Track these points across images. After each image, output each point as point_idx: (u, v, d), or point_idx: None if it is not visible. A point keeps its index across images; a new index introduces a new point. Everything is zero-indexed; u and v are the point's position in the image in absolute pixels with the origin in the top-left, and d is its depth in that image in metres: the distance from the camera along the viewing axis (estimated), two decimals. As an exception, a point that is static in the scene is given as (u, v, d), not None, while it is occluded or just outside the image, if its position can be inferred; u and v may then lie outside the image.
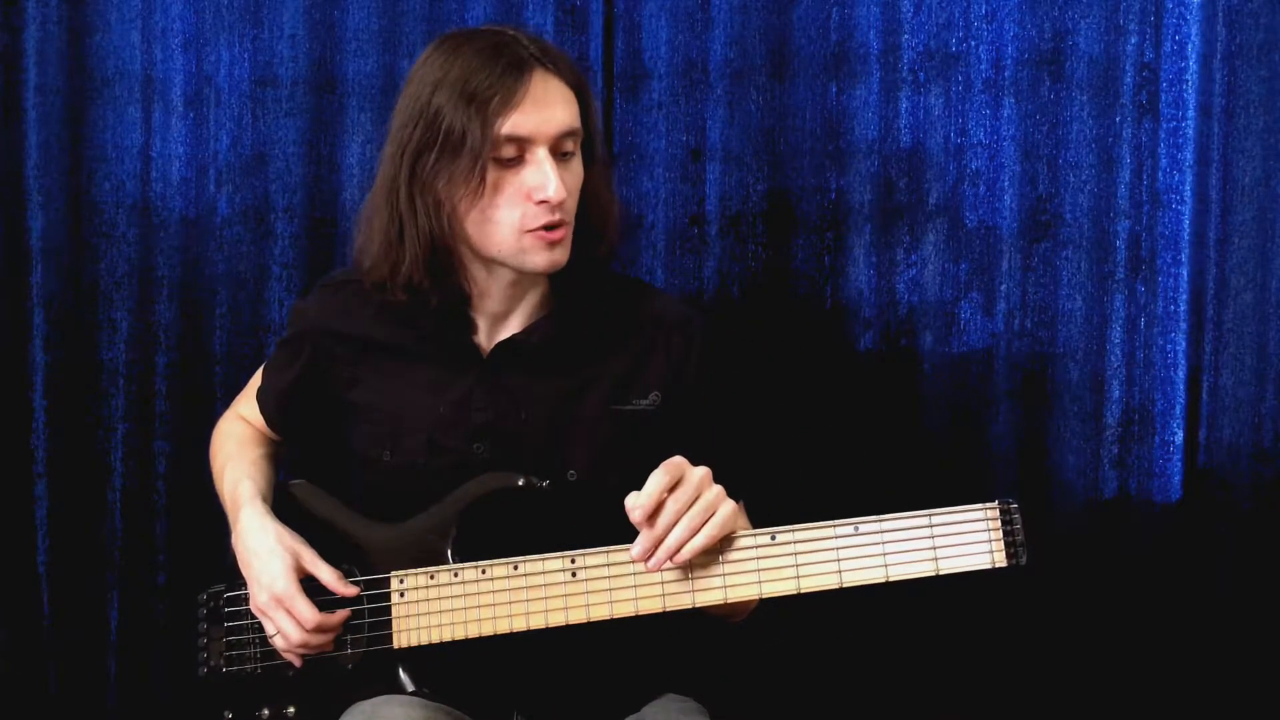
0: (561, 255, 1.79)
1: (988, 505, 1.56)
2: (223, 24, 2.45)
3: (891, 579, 1.58)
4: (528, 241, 1.76)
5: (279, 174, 2.47)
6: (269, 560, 1.78)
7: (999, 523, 1.56)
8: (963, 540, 1.56)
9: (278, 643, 1.80)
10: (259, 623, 1.84)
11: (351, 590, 1.78)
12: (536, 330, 1.86)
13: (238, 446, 2.04)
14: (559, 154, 1.77)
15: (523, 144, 1.74)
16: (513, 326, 1.88)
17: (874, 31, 2.36)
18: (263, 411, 2.06)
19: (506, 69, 1.73)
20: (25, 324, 2.49)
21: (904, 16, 2.35)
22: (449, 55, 1.77)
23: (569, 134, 1.78)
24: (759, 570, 1.62)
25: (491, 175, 1.73)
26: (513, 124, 1.72)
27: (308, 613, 1.75)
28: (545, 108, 1.75)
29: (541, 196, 1.73)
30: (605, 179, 1.90)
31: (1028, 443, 2.38)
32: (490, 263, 1.82)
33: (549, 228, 1.76)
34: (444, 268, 1.81)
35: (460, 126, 1.72)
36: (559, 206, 1.75)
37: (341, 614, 1.77)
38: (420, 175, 1.76)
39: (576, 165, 1.81)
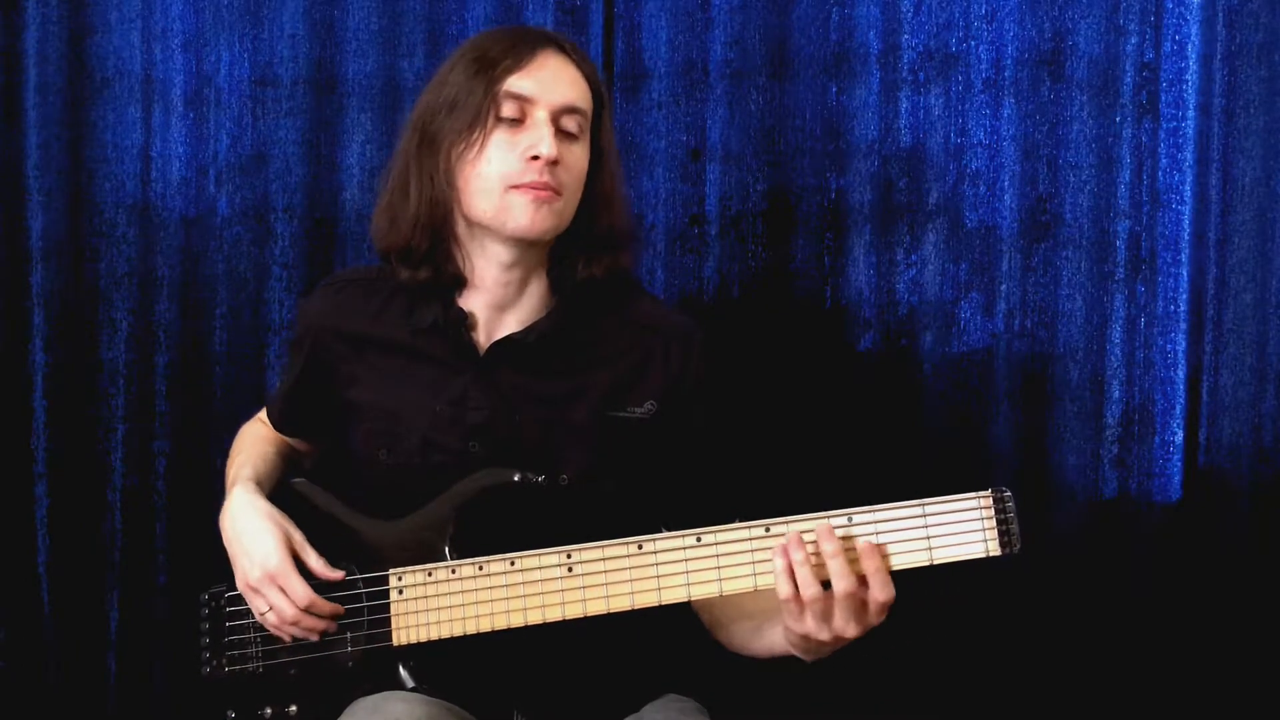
0: (545, 220, 1.79)
1: (981, 494, 1.55)
2: (223, 24, 2.46)
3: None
4: (514, 197, 1.77)
5: (279, 174, 2.47)
6: (260, 537, 1.79)
7: (992, 511, 1.55)
8: (956, 529, 1.55)
9: (269, 619, 1.80)
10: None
11: (336, 574, 1.79)
12: (534, 330, 1.86)
13: (252, 442, 2.06)
14: (561, 131, 1.79)
15: (524, 105, 1.78)
16: (510, 325, 1.88)
17: (874, 31, 2.36)
18: (269, 413, 2.08)
19: (521, 39, 1.81)
20: (25, 324, 2.49)
21: (904, 16, 2.35)
22: (474, 39, 1.86)
23: (573, 111, 1.80)
24: (754, 562, 1.61)
25: (492, 133, 1.78)
26: (516, 82, 1.78)
27: (301, 589, 1.76)
28: (552, 76, 1.80)
29: (534, 153, 1.76)
30: (618, 191, 1.90)
31: (1028, 443, 2.38)
32: (483, 237, 1.83)
33: (537, 187, 1.77)
34: (440, 233, 1.84)
35: (468, 85, 1.79)
36: (550, 169, 1.76)
37: (334, 606, 1.78)
38: (429, 136, 1.82)
39: (579, 150, 1.83)
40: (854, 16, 2.37)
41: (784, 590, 1.58)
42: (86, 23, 2.47)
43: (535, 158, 1.76)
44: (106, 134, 2.49)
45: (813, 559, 1.57)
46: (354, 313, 1.93)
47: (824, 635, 1.58)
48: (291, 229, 2.47)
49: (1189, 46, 2.29)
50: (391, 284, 1.91)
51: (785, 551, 1.57)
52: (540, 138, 1.76)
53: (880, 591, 1.56)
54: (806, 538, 1.58)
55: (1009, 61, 2.34)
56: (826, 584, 1.56)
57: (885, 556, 1.56)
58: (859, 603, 1.56)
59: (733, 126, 2.40)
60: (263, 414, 2.12)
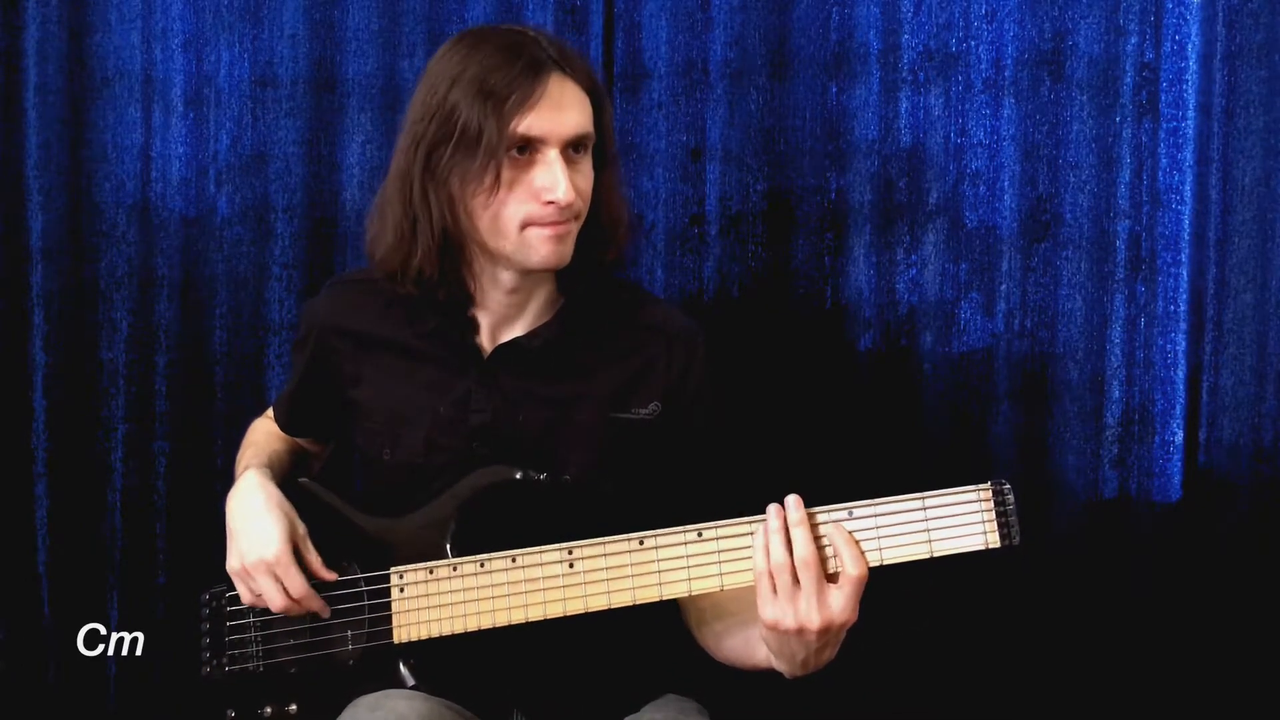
0: (564, 252, 1.79)
1: (980, 486, 1.56)
2: (223, 24, 2.46)
3: (885, 562, 1.58)
4: (532, 235, 1.76)
5: (279, 174, 2.47)
6: (265, 524, 1.79)
7: (991, 503, 1.56)
8: (956, 522, 1.56)
9: (260, 602, 1.81)
10: (261, 621, 1.85)
11: (331, 575, 1.80)
12: (539, 334, 1.86)
13: (265, 438, 2.07)
14: (570, 156, 1.77)
15: (535, 144, 1.74)
16: (517, 330, 1.88)
17: (874, 31, 2.36)
18: (275, 415, 2.09)
19: (525, 69, 1.73)
20: (25, 324, 2.49)
21: (904, 16, 2.35)
22: (467, 52, 1.77)
23: (581, 137, 1.78)
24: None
25: (504, 173, 1.74)
26: (527, 124, 1.72)
27: (298, 583, 1.77)
28: (560, 110, 1.75)
29: (550, 198, 1.73)
30: (616, 183, 1.90)
31: (1028, 443, 2.38)
32: (495, 261, 1.82)
33: (555, 224, 1.76)
34: (453, 261, 1.82)
35: (476, 123, 1.72)
36: (566, 208, 1.75)
37: (323, 603, 1.80)
38: (434, 169, 1.77)
39: (587, 167, 1.81)
40: (854, 16, 2.37)
41: (759, 563, 1.59)
42: (86, 23, 2.47)
43: (551, 201, 1.74)
44: (106, 134, 2.49)
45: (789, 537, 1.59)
46: (358, 312, 1.93)
47: (789, 621, 1.58)
48: (291, 229, 2.48)
49: (1189, 46, 2.29)
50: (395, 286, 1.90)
51: (765, 529, 1.60)
52: (555, 181, 1.73)
53: (852, 565, 1.57)
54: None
55: (1009, 61, 2.34)
56: None
57: (853, 536, 1.59)
58: (821, 577, 1.58)
59: (733, 126, 2.40)
60: (271, 411, 2.12)
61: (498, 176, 1.73)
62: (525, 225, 1.76)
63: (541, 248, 1.77)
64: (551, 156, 1.74)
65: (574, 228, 1.79)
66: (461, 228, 1.79)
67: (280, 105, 2.46)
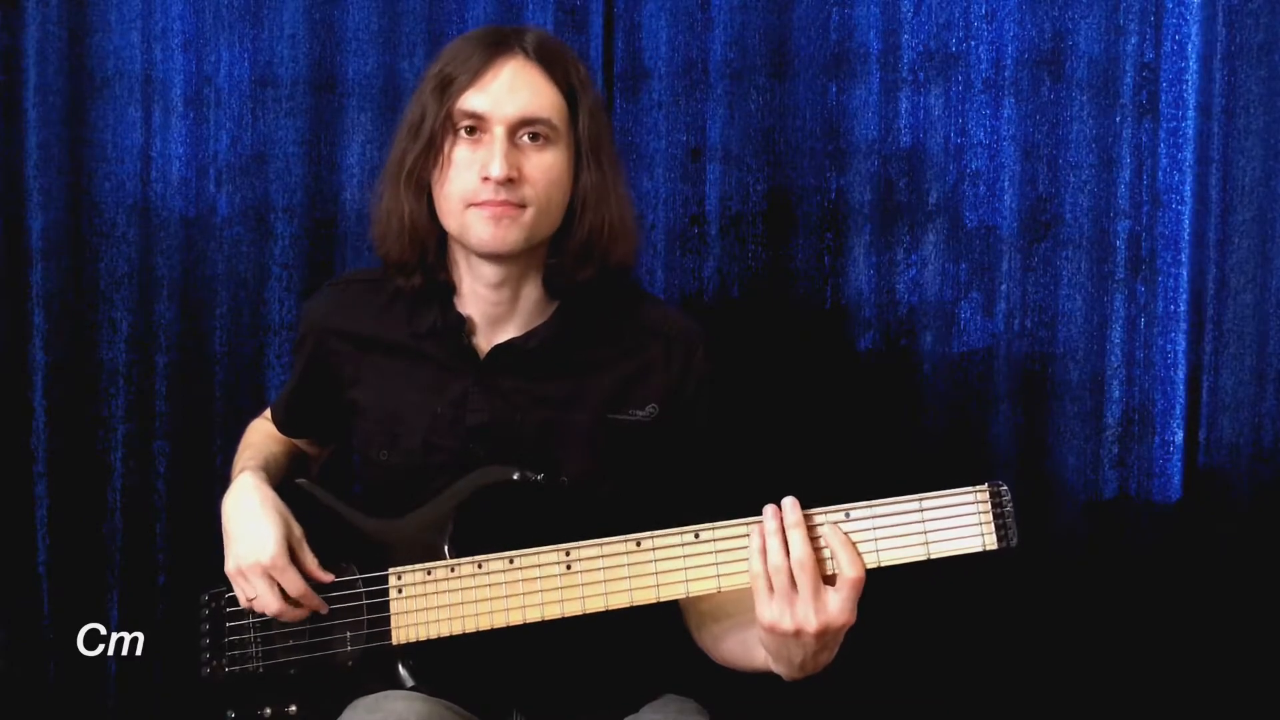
0: (503, 237, 1.77)
1: (977, 488, 1.56)
2: (223, 24, 2.46)
3: (883, 564, 1.57)
4: (471, 215, 1.77)
5: (279, 174, 2.47)
6: (261, 526, 1.78)
7: (989, 505, 1.55)
8: (953, 524, 1.56)
9: (255, 604, 1.80)
10: (260, 622, 1.85)
11: (327, 576, 1.80)
12: (536, 334, 1.86)
13: (261, 439, 2.06)
14: (521, 141, 1.77)
15: (480, 121, 1.77)
16: (512, 330, 1.87)
17: (874, 31, 2.36)
18: (273, 415, 2.08)
19: (480, 51, 1.79)
20: (25, 324, 2.49)
21: (904, 16, 2.35)
22: (449, 47, 1.84)
23: (533, 121, 1.78)
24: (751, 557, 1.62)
25: (454, 151, 1.78)
26: (466, 99, 1.77)
27: (296, 583, 1.77)
28: (507, 90, 1.77)
29: (484, 174, 1.75)
30: (606, 188, 1.86)
31: (1028, 443, 2.38)
32: (469, 253, 1.83)
33: (493, 204, 1.76)
34: (424, 246, 1.84)
35: (431, 106, 1.79)
36: (504, 186, 1.75)
37: (321, 602, 1.80)
38: (404, 156, 1.82)
39: (547, 156, 1.79)
40: (854, 16, 2.37)
41: (754, 565, 1.58)
42: (86, 23, 2.47)
43: (486, 178, 1.75)
44: (106, 134, 2.49)
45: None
46: (356, 313, 1.93)
47: (786, 623, 1.57)
48: (291, 229, 2.48)
49: (1189, 46, 2.30)
50: (394, 286, 1.90)
51: (761, 530, 1.59)
52: (490, 157, 1.75)
53: (849, 567, 1.56)
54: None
55: (1009, 61, 2.34)
56: None
57: (850, 538, 1.58)
58: (818, 579, 1.57)
59: (733, 126, 2.40)
60: (269, 413, 2.12)
61: (440, 151, 1.78)
62: (468, 205, 1.77)
63: (480, 229, 1.77)
64: (497, 134, 1.76)
65: (518, 215, 1.77)
66: (428, 211, 1.82)
67: (280, 105, 2.46)
